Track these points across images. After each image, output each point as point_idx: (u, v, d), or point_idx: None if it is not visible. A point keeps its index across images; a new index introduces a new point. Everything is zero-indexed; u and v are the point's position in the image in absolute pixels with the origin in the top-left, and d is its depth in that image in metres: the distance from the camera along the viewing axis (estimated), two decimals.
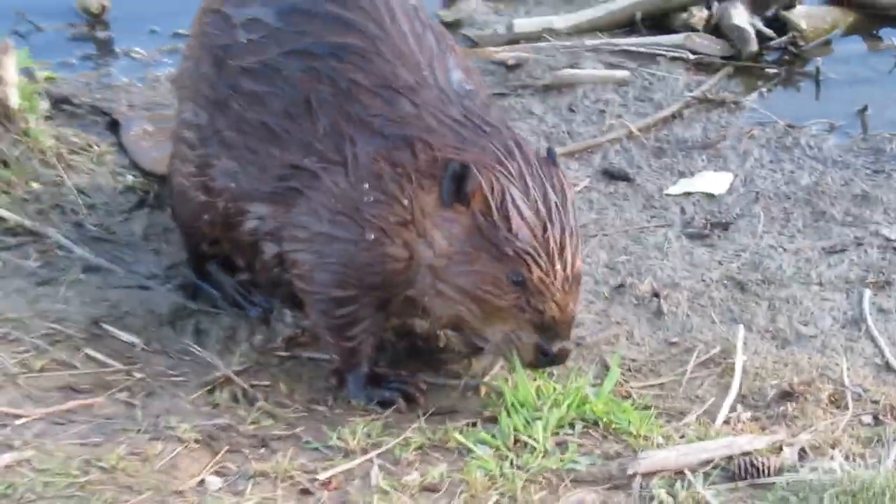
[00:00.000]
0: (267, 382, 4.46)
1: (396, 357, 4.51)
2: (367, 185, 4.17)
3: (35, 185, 5.44)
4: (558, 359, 4.12)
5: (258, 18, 4.40)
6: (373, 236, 4.17)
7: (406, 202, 4.13)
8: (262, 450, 4.13)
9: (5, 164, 5.48)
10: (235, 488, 3.94)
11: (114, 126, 5.85)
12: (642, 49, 6.32)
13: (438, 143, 4.13)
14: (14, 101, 5.53)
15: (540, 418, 4.11)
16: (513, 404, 4.16)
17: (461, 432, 4.10)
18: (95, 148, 5.71)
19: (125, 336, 4.68)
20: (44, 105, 5.77)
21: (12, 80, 5.49)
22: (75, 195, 5.40)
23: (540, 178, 4.08)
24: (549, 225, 4.03)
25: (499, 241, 4.03)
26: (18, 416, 4.23)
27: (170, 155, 4.87)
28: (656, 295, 4.83)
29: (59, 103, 6.00)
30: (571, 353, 4.16)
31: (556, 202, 4.06)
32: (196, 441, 4.14)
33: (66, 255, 5.12)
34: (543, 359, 4.10)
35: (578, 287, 4.13)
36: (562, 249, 4.04)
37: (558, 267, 4.04)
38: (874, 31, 6.44)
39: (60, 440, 4.12)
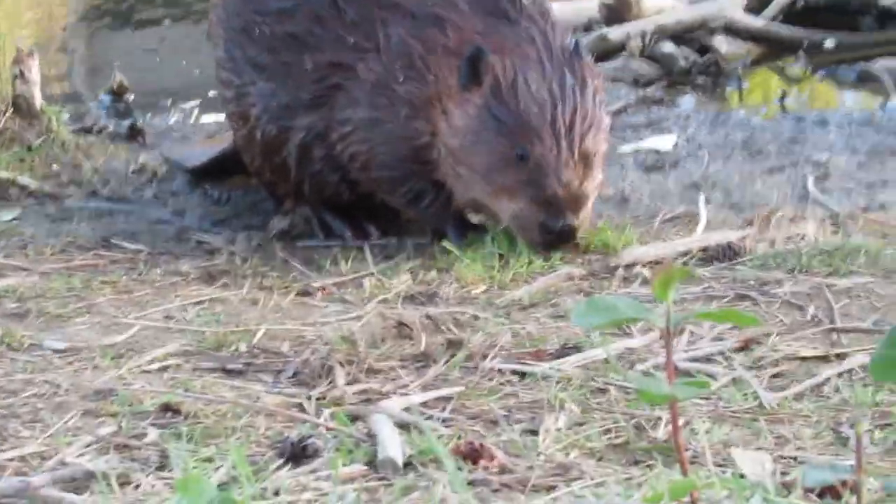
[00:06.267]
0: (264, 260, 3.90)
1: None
2: (399, 64, 3.62)
3: (55, 167, 4.96)
4: (563, 237, 3.43)
5: None
6: (403, 112, 3.62)
7: (432, 78, 3.57)
8: (260, 279, 3.54)
9: (29, 149, 5.02)
10: (237, 293, 3.34)
11: (135, 132, 5.39)
12: None
13: (467, 26, 3.61)
14: (38, 100, 5.10)
15: None
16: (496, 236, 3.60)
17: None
18: (111, 147, 5.24)
19: (133, 245, 4.12)
20: (65, 117, 5.35)
21: (36, 80, 5.09)
22: (91, 173, 4.92)
23: (559, 63, 3.52)
24: (559, 104, 3.45)
25: (505, 118, 3.46)
26: (22, 269, 3.65)
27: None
28: (620, 192, 4.34)
29: (80, 132, 5.54)
30: (579, 232, 3.47)
31: (571, 85, 3.49)
32: (195, 277, 3.56)
33: (81, 207, 4.62)
34: (547, 237, 3.43)
35: (589, 167, 3.48)
36: (570, 127, 3.44)
37: (564, 144, 3.42)
38: (778, 58, 6.22)
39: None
